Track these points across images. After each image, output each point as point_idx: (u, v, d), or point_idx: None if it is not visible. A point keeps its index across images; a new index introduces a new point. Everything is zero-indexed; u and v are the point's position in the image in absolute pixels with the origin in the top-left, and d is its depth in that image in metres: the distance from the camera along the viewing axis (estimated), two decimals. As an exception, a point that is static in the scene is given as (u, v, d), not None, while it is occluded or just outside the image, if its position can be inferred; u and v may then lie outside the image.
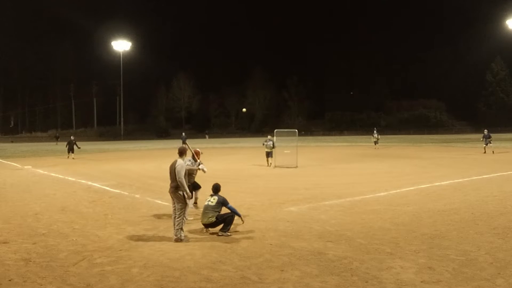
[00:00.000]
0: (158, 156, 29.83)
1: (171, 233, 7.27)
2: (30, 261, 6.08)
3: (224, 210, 7.55)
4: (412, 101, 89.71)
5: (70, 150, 27.04)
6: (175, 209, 7.21)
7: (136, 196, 11.94)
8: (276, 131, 21.49)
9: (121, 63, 76.36)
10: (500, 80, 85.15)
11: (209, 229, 7.54)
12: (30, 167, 21.60)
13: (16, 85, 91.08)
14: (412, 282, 5.08)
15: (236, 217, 7.53)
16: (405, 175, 15.84)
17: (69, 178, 16.37)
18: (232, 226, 7.51)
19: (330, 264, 5.75)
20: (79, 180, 15.70)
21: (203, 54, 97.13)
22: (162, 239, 7.24)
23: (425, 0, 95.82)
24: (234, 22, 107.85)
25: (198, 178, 9.70)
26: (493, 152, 25.76)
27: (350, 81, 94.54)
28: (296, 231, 7.56)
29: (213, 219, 7.37)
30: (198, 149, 9.72)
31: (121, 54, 75.91)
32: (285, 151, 21.36)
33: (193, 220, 8.36)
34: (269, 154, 20.26)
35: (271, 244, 6.76)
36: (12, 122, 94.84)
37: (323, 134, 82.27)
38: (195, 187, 9.43)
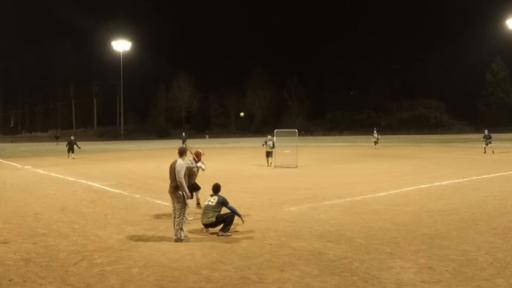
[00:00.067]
0: (158, 156, 29.82)
1: (171, 233, 7.27)
2: (30, 261, 6.08)
3: (224, 210, 7.55)
4: (412, 101, 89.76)
5: (70, 150, 27.08)
6: (174, 209, 7.21)
7: (136, 196, 11.94)
8: (276, 131, 21.48)
9: (121, 63, 76.39)
10: (500, 80, 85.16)
11: (209, 229, 7.54)
12: (30, 167, 21.61)
13: (16, 85, 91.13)
14: (412, 282, 5.08)
15: (236, 217, 7.52)
16: (405, 175, 15.84)
17: (69, 178, 16.37)
18: (232, 226, 7.51)
19: (330, 264, 5.75)
20: (79, 180, 15.70)
21: (203, 54, 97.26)
22: (162, 239, 7.24)
23: (425, 0, 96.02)
24: (234, 22, 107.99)
25: (198, 178, 9.70)
26: (493, 152, 25.76)
27: (350, 81, 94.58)
28: (296, 231, 7.56)
29: (213, 219, 7.37)
30: (199, 150, 9.73)
31: (121, 54, 75.91)
32: (285, 151, 21.36)
33: (193, 220, 8.36)
34: (269, 154, 20.27)
35: (271, 244, 6.76)
36: (12, 122, 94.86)
37: (323, 134, 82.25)
38: (194, 188, 9.42)
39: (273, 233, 7.45)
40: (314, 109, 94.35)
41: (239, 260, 6.01)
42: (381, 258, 5.99)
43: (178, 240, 6.98)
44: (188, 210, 7.41)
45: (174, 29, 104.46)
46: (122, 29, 76.59)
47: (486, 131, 27.08)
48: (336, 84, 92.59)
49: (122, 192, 12.65)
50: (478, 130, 62.77)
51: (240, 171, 18.81)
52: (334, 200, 10.62)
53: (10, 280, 5.32)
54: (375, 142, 34.45)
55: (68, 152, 27.19)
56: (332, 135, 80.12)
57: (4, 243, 7.06)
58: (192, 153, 9.54)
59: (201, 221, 7.59)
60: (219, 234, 7.34)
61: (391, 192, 11.89)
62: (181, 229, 7.07)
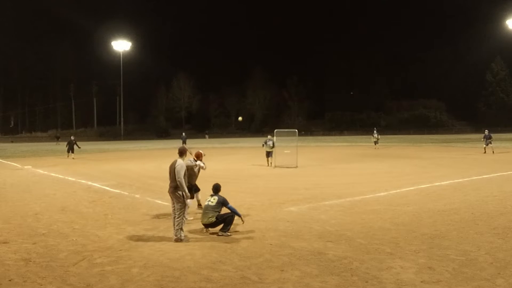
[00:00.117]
0: (158, 156, 29.83)
1: (171, 233, 7.27)
2: (30, 261, 6.08)
3: (224, 210, 7.55)
4: (412, 101, 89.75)
5: (70, 150, 27.09)
6: (174, 209, 7.21)
7: (136, 196, 11.94)
8: (276, 131, 21.48)
9: (121, 63, 76.40)
10: (500, 80, 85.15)
11: (209, 229, 7.54)
12: (30, 167, 21.61)
13: (16, 85, 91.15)
14: (412, 282, 5.08)
15: (236, 217, 7.53)
16: (405, 175, 15.84)
17: (69, 178, 16.37)
18: (232, 226, 7.51)
19: (330, 264, 5.75)
20: (79, 180, 15.70)
21: (203, 54, 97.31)
22: (162, 239, 7.24)
23: (425, 0, 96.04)
24: (234, 22, 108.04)
25: (197, 178, 9.68)
26: (493, 152, 25.75)
27: (350, 81, 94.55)
28: (296, 231, 7.56)
29: (213, 219, 7.37)
30: (200, 151, 9.73)
31: (121, 54, 75.92)
32: (285, 151, 21.36)
33: (193, 220, 8.37)
34: (269, 154, 20.27)
35: (271, 244, 6.76)
36: (12, 122, 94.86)
37: (323, 134, 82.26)
38: (195, 189, 9.40)
39: (273, 233, 7.45)
40: (314, 109, 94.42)
41: (239, 260, 6.01)
42: (381, 258, 5.99)
43: (178, 240, 6.98)
44: (188, 210, 7.41)
45: (174, 29, 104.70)
46: (122, 29, 76.74)
47: (486, 131, 27.09)
48: (336, 84, 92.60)
49: (122, 192, 12.65)
50: (478, 130, 62.82)
51: (240, 171, 18.81)
52: (334, 200, 10.62)
53: (10, 280, 5.32)
54: (375, 142, 34.45)
55: (68, 152, 27.20)
56: (332, 135, 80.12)
57: (4, 243, 7.06)
58: (192, 154, 9.55)
59: (201, 221, 7.59)
60: (219, 234, 7.34)
61: (391, 192, 11.89)
62: (181, 229, 7.07)
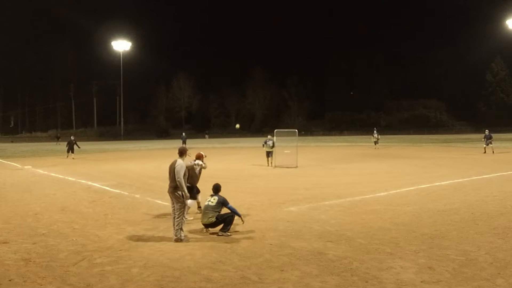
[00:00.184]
0: (158, 156, 29.83)
1: (171, 233, 7.27)
2: (30, 261, 6.08)
3: (224, 210, 7.55)
4: (412, 101, 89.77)
5: (70, 150, 27.09)
6: (174, 209, 7.21)
7: (136, 196, 11.94)
8: (276, 131, 21.48)
9: (121, 63, 76.45)
10: (500, 80, 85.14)
11: (209, 229, 7.54)
12: (30, 167, 21.61)
13: (16, 85, 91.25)
14: (412, 282, 5.08)
15: (236, 217, 7.53)
16: (405, 175, 15.84)
17: (69, 178, 16.37)
18: (232, 226, 7.51)
19: (330, 264, 5.75)
20: (79, 180, 15.71)
21: (203, 54, 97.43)
22: (162, 239, 7.24)
23: (425, 0, 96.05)
24: (234, 22, 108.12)
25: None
26: (493, 152, 25.75)
27: (350, 81, 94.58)
28: (296, 231, 7.56)
29: (213, 219, 7.37)
30: (201, 152, 9.73)
31: (121, 54, 75.96)
32: (285, 151, 21.36)
33: (193, 220, 8.37)
34: (269, 154, 20.27)
35: (271, 244, 6.76)
36: (12, 122, 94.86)
37: (323, 134, 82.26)
38: (196, 191, 9.39)
39: (273, 233, 7.45)
40: (314, 109, 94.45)
41: (239, 260, 6.01)
42: (381, 258, 5.99)
43: (178, 240, 6.98)
44: (187, 210, 7.41)
45: (174, 29, 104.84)
46: (122, 29, 76.83)
47: (487, 131, 27.09)
48: (336, 84, 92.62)
49: (122, 192, 12.65)
50: (478, 130, 62.84)
51: (240, 171, 18.81)
52: (334, 200, 10.62)
53: (10, 280, 5.32)
54: (375, 142, 34.44)
55: (68, 152, 27.20)
56: (332, 135, 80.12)
57: (4, 243, 7.06)
58: (191, 157, 9.53)
59: (201, 221, 7.59)
60: (219, 234, 7.34)
61: (391, 192, 11.89)
62: (181, 229, 7.07)
